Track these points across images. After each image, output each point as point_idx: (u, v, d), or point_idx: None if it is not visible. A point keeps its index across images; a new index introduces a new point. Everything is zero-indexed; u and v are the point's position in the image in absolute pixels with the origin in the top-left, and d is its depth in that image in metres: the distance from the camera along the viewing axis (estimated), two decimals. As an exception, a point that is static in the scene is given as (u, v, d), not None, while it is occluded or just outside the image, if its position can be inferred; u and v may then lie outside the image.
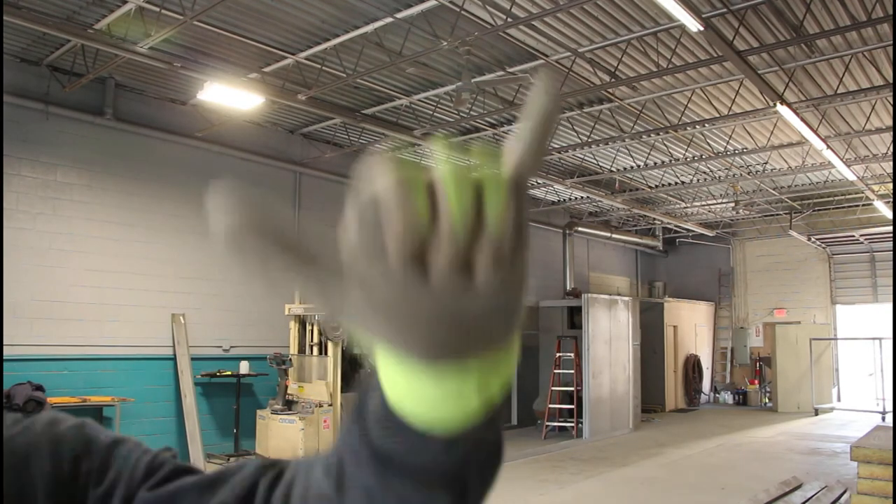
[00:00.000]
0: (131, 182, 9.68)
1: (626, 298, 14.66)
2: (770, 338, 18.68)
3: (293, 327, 10.05)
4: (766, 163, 13.70)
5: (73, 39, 7.71)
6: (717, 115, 10.52)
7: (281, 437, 9.00)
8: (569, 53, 8.68)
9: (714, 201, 16.75)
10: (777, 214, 18.67)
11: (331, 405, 9.24)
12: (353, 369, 10.12)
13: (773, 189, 15.49)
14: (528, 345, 14.64)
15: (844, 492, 7.70)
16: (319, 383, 9.48)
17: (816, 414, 16.59)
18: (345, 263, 0.39)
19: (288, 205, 11.74)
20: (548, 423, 13.30)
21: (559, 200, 17.06)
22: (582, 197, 16.23)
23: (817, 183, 15.29)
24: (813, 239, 18.37)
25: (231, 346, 10.61)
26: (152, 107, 10.07)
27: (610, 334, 13.77)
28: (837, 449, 11.44)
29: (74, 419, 0.62)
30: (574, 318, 14.57)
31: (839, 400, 18.92)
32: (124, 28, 7.71)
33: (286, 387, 9.65)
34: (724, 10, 7.63)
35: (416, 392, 0.38)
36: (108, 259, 9.35)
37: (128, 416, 9.06)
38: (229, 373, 10.16)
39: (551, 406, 13.44)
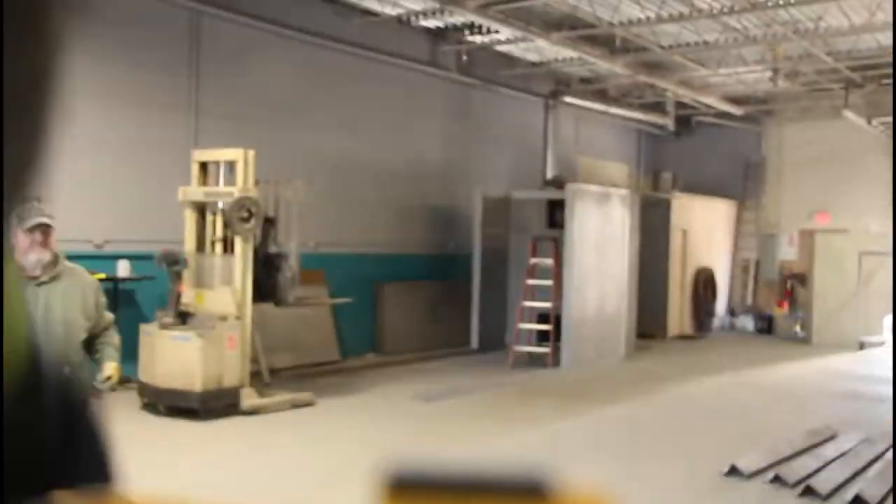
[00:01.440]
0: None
1: (624, 191, 14.77)
2: (807, 249, 18.90)
3: (190, 217, 9.82)
4: (819, 18, 13.56)
5: None
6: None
7: (173, 359, 8.94)
8: None
9: (746, 69, 16.61)
10: (829, 89, 18.54)
11: (238, 318, 9.19)
12: (269, 273, 10.04)
13: (827, 55, 15.32)
14: (495, 247, 14.68)
15: (891, 447, 7.90)
16: (223, 290, 9.40)
17: (862, 348, 17.03)
18: None
19: (182, 60, 11.23)
20: (517, 348, 13.44)
21: (542, 61, 16.79)
22: (572, 57, 16.01)
23: (887, 47, 15.09)
24: (875, 123, 18.26)
25: (105, 241, 10.43)
26: None
27: (601, 237, 13.88)
28: (885, 393, 11.68)
29: None
30: (555, 214, 14.61)
31: (894, 333, 19.37)
32: None
33: (180, 294, 9.50)
34: None
35: None
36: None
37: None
38: (103, 276, 9.80)
39: (522, 326, 13.54)
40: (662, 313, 17.96)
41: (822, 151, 20.30)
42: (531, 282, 13.69)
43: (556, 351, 13.31)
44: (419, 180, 14.84)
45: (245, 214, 9.20)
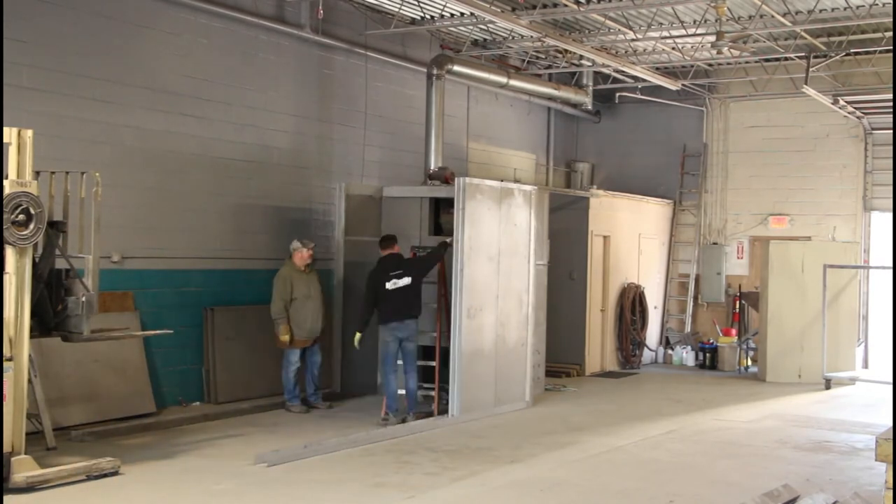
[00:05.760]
0: None
1: (530, 188, 14.73)
2: (760, 261, 19.24)
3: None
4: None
5: None
6: None
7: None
8: None
9: (682, 32, 16.83)
10: (785, 59, 18.93)
11: (9, 359, 8.76)
12: (55, 296, 9.64)
13: (783, 15, 15.60)
14: (363, 260, 14.55)
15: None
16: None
17: (828, 387, 17.32)
18: None
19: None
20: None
21: (423, 18, 16.73)
22: (462, 13, 16.00)
23: (858, 8, 15.47)
24: (842, 101, 18.67)
25: None
26: None
27: (500, 246, 13.83)
28: (857, 443, 12.02)
29: None
30: (440, 217, 14.62)
31: (866, 366, 19.90)
32: None
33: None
34: None
35: None
36: None
37: None
38: None
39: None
40: (579, 344, 18.05)
41: (777, 138, 20.76)
42: (410, 305, 13.51)
43: (443, 394, 13.17)
44: (262, 172, 14.52)
45: (20, 217, 8.76)
